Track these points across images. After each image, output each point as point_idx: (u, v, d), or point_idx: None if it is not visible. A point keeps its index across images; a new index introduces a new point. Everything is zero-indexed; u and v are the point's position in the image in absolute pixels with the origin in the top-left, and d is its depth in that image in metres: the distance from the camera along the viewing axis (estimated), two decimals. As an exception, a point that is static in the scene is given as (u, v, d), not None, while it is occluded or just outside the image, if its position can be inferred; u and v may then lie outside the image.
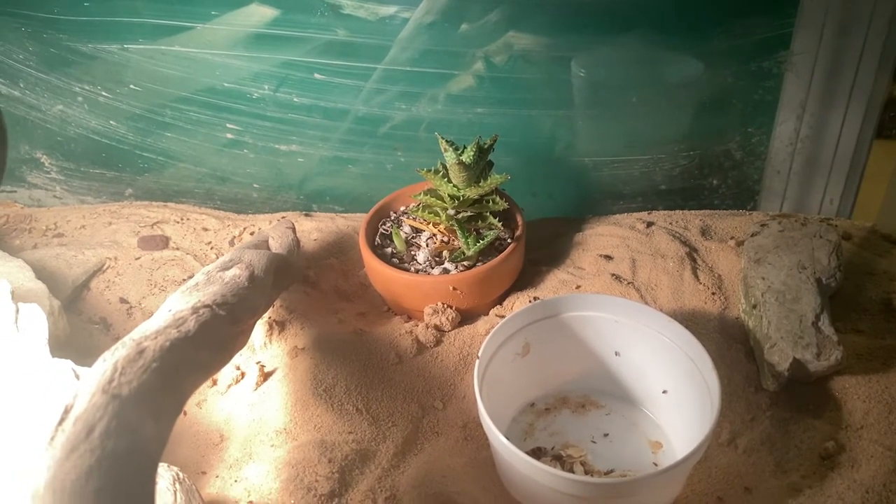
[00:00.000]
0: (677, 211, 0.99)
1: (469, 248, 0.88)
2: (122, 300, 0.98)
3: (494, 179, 0.88)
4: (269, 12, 0.98)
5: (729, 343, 0.80)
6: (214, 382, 0.85)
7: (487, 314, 0.91)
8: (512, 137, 1.01)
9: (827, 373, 0.73)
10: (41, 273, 0.98)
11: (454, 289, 0.87)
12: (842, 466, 0.67)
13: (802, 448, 0.70)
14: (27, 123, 1.13)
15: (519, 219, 0.93)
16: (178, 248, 1.09)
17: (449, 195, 0.88)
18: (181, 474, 0.65)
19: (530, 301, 0.90)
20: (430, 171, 0.89)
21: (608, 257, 0.92)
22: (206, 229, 1.13)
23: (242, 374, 0.84)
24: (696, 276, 0.87)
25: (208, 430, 0.80)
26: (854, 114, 1.05)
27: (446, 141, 0.88)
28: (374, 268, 0.89)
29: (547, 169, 1.06)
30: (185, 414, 0.85)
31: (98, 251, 1.07)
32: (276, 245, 0.89)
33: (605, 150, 1.05)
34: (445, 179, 0.88)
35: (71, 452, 0.46)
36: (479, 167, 0.89)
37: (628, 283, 0.88)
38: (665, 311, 0.82)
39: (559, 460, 0.76)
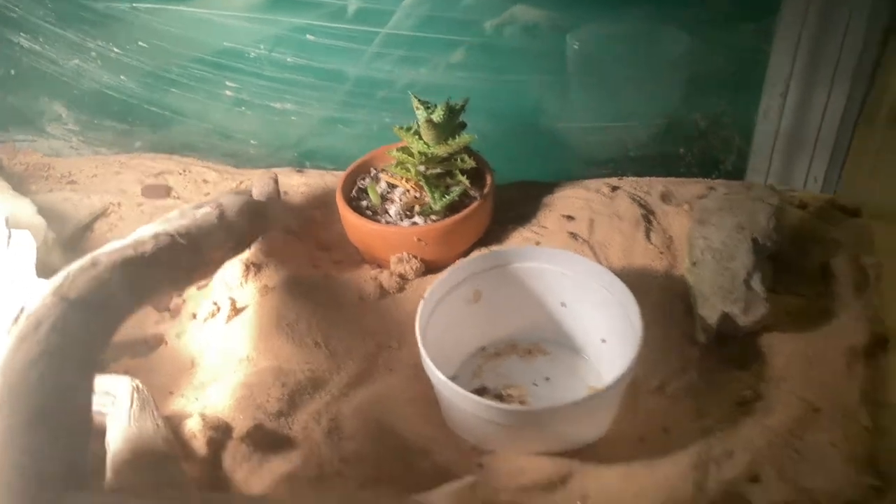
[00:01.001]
0: (645, 178, 1.02)
1: (436, 203, 0.93)
2: (120, 240, 1.05)
3: (463, 139, 0.93)
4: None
5: (671, 299, 0.84)
6: (194, 316, 0.93)
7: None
8: (495, 103, 1.05)
9: (755, 328, 0.77)
10: (49, 213, 1.06)
11: (419, 240, 0.92)
12: (755, 413, 0.71)
13: (723, 396, 0.74)
14: (46, 77, 1.20)
15: (488, 178, 0.98)
16: (178, 198, 1.16)
17: (419, 152, 0.93)
18: (141, 386, 0.72)
19: (488, 254, 0.95)
20: (403, 128, 0.94)
21: (570, 217, 0.96)
22: (206, 181, 1.20)
23: (218, 309, 0.90)
24: (648, 237, 0.91)
25: (183, 358, 0.88)
26: (839, 91, 1.06)
27: (419, 100, 0.93)
28: (347, 218, 0.95)
29: (526, 135, 1.10)
30: (166, 344, 0.92)
31: (104, 197, 1.15)
32: (257, 193, 0.95)
33: (584, 119, 1.09)
34: (417, 137, 0.93)
35: (21, 343, 0.53)
36: (450, 127, 0.94)
37: (583, 241, 0.93)
38: (615, 269, 0.87)
39: (500, 398, 0.81)
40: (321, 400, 0.77)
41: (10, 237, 0.79)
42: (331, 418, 0.75)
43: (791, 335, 0.77)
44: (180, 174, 1.22)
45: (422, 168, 0.94)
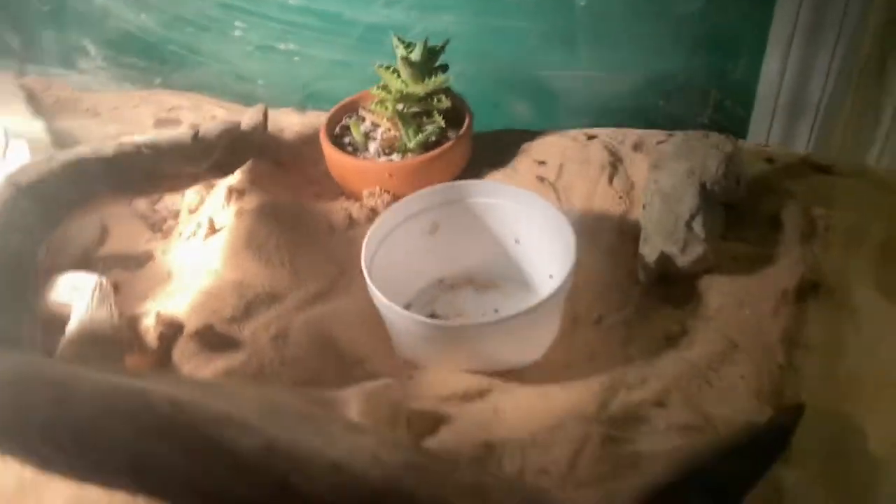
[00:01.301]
0: (624, 129, 1.04)
1: (410, 141, 0.97)
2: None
3: (440, 79, 0.96)
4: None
5: (623, 241, 0.86)
6: (179, 235, 0.99)
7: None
8: (485, 48, 1.07)
9: (694, 269, 0.78)
10: (64, 138, 1.14)
11: (390, 175, 0.96)
12: (679, 347, 0.73)
13: (653, 330, 0.76)
14: (77, 13, 1.29)
15: (466, 120, 1.00)
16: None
17: (396, 90, 0.96)
18: (105, 282, 0.78)
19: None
20: (384, 66, 0.98)
21: (542, 163, 0.99)
22: (214, 117, 1.26)
23: (199, 228, 0.96)
24: (611, 182, 0.93)
25: (163, 272, 0.94)
26: (840, 53, 1.05)
27: (399, 39, 0.97)
28: (326, 152, 1.00)
29: (516, 84, 1.12)
30: (153, 259, 0.99)
31: (119, 127, 1.23)
32: (245, 124, 1.01)
33: (577, 70, 1.10)
34: (396, 75, 0.97)
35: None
36: (428, 67, 0.97)
37: (549, 184, 0.95)
38: (575, 211, 0.89)
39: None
40: (275, 312, 0.82)
41: (6, 147, 0.87)
42: (280, 327, 0.80)
43: (730, 278, 0.78)
44: (191, 110, 1.28)
45: (400, 107, 0.98)
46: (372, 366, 0.76)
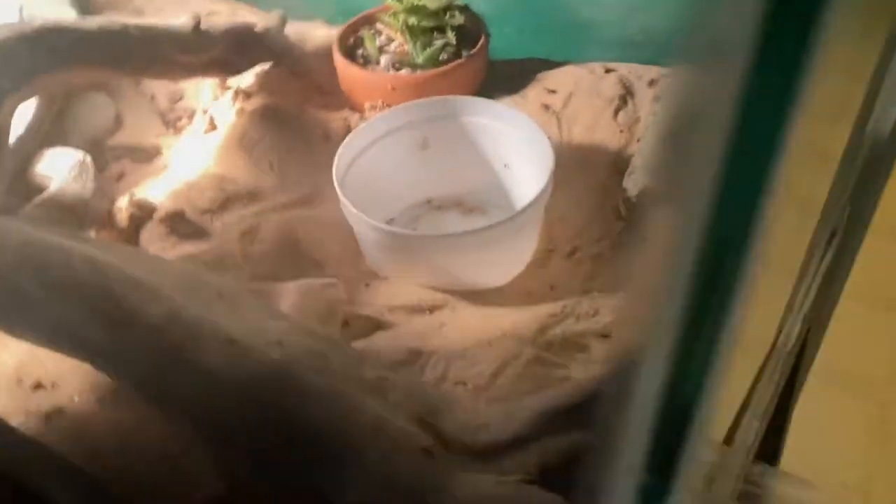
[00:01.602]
0: (647, 65, 0.98)
1: (418, 56, 0.94)
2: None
3: (448, -3, 0.93)
4: None
5: (615, 175, 0.81)
6: (181, 131, 1.00)
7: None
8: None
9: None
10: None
11: (393, 88, 0.94)
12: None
13: (621, 266, 0.72)
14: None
15: (481, 41, 0.97)
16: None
17: (407, 1, 0.94)
18: (87, 159, 0.79)
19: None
20: (404, -23, 0.95)
21: (552, 91, 0.95)
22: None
23: (204, 125, 0.97)
24: (616, 116, 0.88)
25: (165, 162, 0.95)
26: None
27: (416, -51, 0.94)
28: (336, 61, 0.98)
29: (543, 12, 1.07)
30: (160, 154, 1.01)
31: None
32: (260, 27, 1.00)
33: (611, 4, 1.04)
34: (411, -13, 0.94)
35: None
36: (444, -20, 0.94)
37: (553, 113, 0.91)
38: (574, 141, 0.86)
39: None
40: (251, 210, 0.83)
41: (21, 11, 0.89)
42: (251, 225, 0.80)
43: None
44: (229, 16, 1.28)
45: (412, 20, 0.95)
46: (332, 271, 0.76)
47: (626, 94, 0.91)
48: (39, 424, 0.56)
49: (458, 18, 0.94)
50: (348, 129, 0.95)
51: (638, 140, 0.79)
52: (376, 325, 0.68)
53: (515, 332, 0.65)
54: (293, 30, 1.20)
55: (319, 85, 1.06)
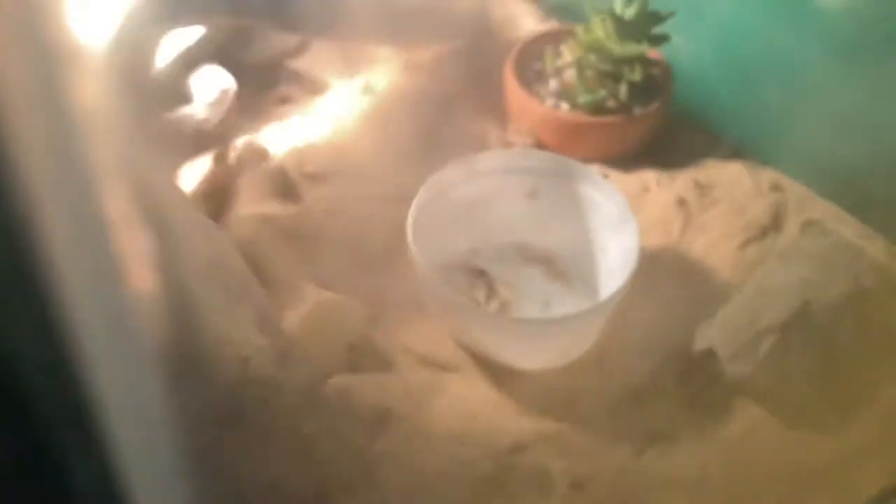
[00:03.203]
0: (820, 200, 0.86)
1: (580, 95, 0.89)
2: None
3: (637, 48, 0.86)
4: None
5: (694, 310, 0.74)
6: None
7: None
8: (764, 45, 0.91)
9: (732, 383, 0.66)
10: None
11: (541, 120, 0.90)
12: (655, 451, 0.64)
13: (644, 421, 0.67)
14: None
15: (654, 105, 0.89)
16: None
17: (588, 37, 0.88)
18: (230, 88, 0.84)
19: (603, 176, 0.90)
20: (601, 9, 0.89)
21: (701, 186, 0.86)
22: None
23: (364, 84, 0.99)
24: (745, 246, 0.79)
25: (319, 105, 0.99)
26: None
27: (626, -10, 0.87)
28: (506, 66, 0.95)
29: (757, 93, 0.94)
30: (325, 91, 1.04)
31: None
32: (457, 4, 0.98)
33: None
34: (603, 23, 0.88)
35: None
36: (640, 29, 0.86)
37: (684, 212, 0.83)
38: (686, 253, 0.79)
39: (489, 287, 0.81)
40: (348, 191, 0.84)
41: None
42: (338, 205, 0.82)
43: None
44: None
45: (592, 57, 0.89)
46: (377, 285, 0.76)
47: (772, 228, 0.80)
48: None
49: (637, 74, 0.87)
50: (482, 143, 0.93)
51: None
52: (377, 362, 0.68)
53: (490, 439, 0.62)
54: (504, 11, 1.18)
55: (490, 76, 1.04)
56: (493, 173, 0.81)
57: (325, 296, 0.67)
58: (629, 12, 0.85)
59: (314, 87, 1.06)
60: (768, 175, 0.89)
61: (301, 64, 1.08)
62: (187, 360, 0.52)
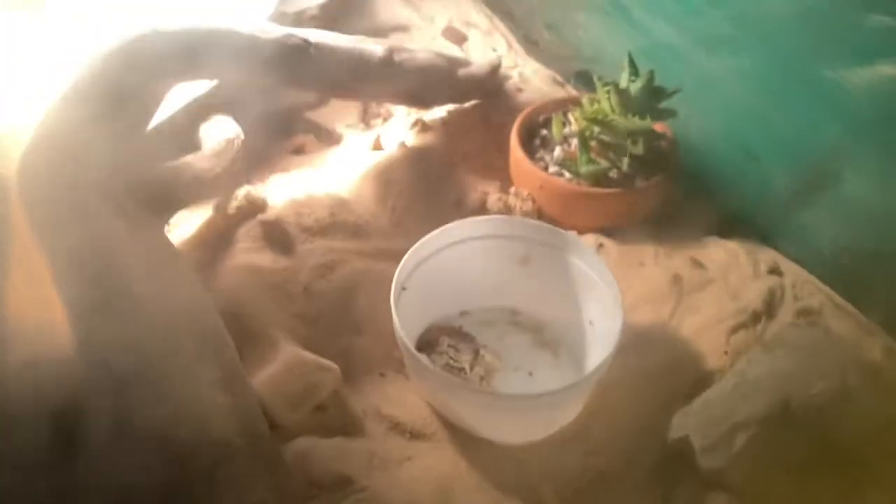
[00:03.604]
0: (820, 285, 0.83)
1: (581, 165, 0.89)
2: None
3: (641, 123, 0.85)
4: None
5: (675, 398, 0.72)
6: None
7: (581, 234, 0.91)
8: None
9: (706, 475, 0.64)
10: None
11: (541, 186, 0.90)
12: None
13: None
14: None
15: (655, 178, 0.89)
16: (464, 49, 1.25)
17: (592, 109, 0.88)
18: (240, 139, 0.86)
19: (598, 248, 0.89)
20: (607, 83, 0.89)
21: (697, 265, 0.85)
22: (494, 49, 1.26)
23: (372, 140, 1.01)
24: (733, 332, 0.77)
25: (319, 160, 1.01)
26: None
27: (631, 62, 0.87)
28: (512, 131, 0.95)
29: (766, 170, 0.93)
30: (339, 143, 1.06)
31: (412, 17, 1.28)
32: (463, 69, 1.00)
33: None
34: (608, 96, 0.88)
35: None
36: (645, 103, 0.86)
37: (677, 291, 0.82)
38: (673, 333, 0.78)
39: (475, 352, 0.80)
40: (342, 245, 0.85)
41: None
42: (332, 260, 0.83)
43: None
44: (483, 32, 1.29)
45: (590, 130, 0.89)
46: (362, 345, 0.76)
47: (764, 314, 0.79)
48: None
49: (640, 148, 0.86)
50: (482, 204, 0.93)
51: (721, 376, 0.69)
52: (346, 425, 0.68)
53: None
54: (522, 74, 1.19)
55: (496, 140, 1.05)
56: (486, 238, 0.81)
57: (296, 355, 0.67)
58: (634, 87, 0.85)
59: (330, 139, 1.08)
60: (768, 256, 0.87)
61: (319, 115, 1.10)
62: (137, 421, 0.53)
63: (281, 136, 1.07)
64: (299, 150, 1.06)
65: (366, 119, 1.12)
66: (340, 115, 1.11)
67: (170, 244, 0.69)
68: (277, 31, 0.79)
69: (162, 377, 0.56)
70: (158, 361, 0.57)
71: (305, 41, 0.80)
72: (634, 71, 0.86)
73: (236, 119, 0.92)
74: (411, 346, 0.68)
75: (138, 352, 0.56)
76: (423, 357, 0.77)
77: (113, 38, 0.68)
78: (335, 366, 0.69)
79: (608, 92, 0.87)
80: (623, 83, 0.85)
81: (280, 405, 0.64)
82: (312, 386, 0.66)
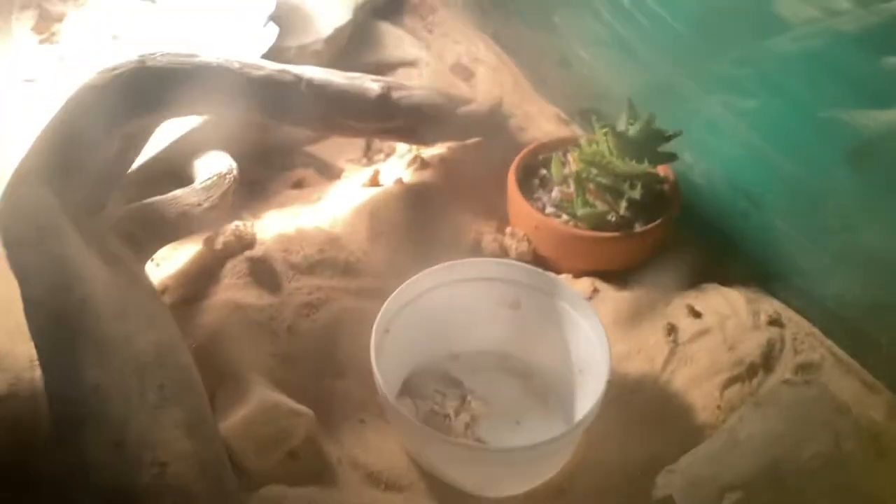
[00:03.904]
0: (823, 339, 0.80)
1: (578, 208, 0.87)
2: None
3: (639, 167, 0.83)
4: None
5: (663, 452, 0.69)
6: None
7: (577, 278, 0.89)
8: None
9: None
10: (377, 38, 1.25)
11: (536, 227, 0.88)
12: None
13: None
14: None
15: (655, 223, 0.86)
16: (470, 86, 1.24)
17: (589, 150, 0.86)
18: (233, 174, 0.85)
19: (592, 292, 0.87)
20: (606, 125, 0.87)
21: (694, 314, 0.82)
22: (502, 87, 1.25)
23: (369, 176, 0.99)
24: (727, 386, 0.74)
25: (314, 198, 1.00)
26: None
27: (631, 106, 0.86)
28: (510, 170, 0.94)
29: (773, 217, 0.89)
30: (339, 177, 1.05)
31: (423, 53, 1.28)
32: (464, 108, 0.99)
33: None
34: (606, 137, 0.86)
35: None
36: (644, 147, 0.85)
37: (672, 341, 0.79)
38: (665, 386, 0.75)
39: (461, 398, 0.78)
40: (331, 283, 0.84)
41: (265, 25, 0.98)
42: (319, 298, 0.81)
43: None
44: (492, 69, 1.28)
45: (587, 172, 0.87)
46: (345, 390, 0.75)
47: (762, 367, 0.75)
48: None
49: (638, 192, 0.84)
50: (477, 244, 0.91)
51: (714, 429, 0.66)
52: (318, 474, 0.66)
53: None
54: (524, 111, 1.17)
55: (497, 182, 1.03)
56: (475, 281, 0.79)
57: (270, 398, 0.66)
58: (633, 130, 0.83)
59: (331, 173, 1.07)
60: (769, 306, 0.84)
61: (320, 149, 1.10)
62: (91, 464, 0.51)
63: (280, 170, 1.07)
64: (298, 185, 1.05)
65: (368, 154, 1.11)
66: (343, 149, 1.11)
67: (146, 280, 0.68)
68: (270, 67, 0.78)
69: (121, 420, 0.54)
70: (119, 403, 0.55)
71: (297, 77, 0.80)
72: (634, 114, 0.85)
73: (233, 153, 0.92)
74: (387, 392, 0.66)
75: (98, 393, 0.54)
76: (397, 404, 0.75)
77: (84, 79, 0.68)
78: (309, 411, 0.67)
79: (606, 134, 0.85)
80: (621, 126, 0.83)
81: (249, 450, 0.63)
82: (284, 431, 0.64)
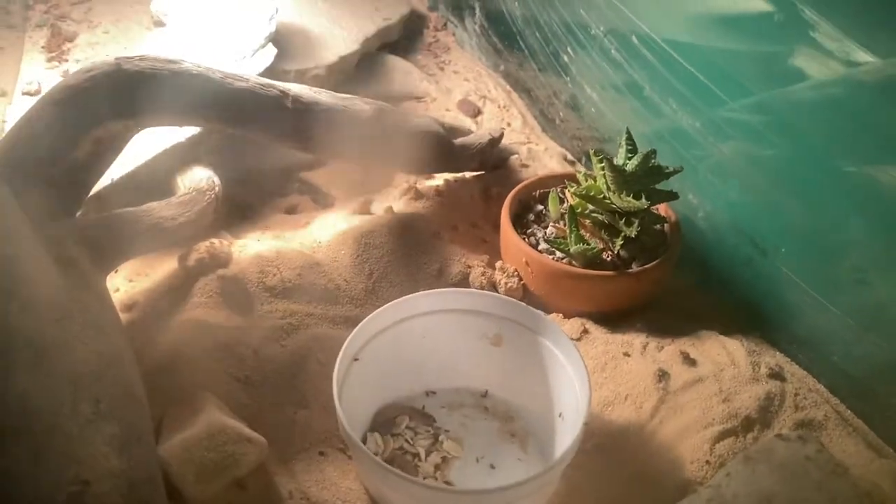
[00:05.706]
0: (828, 398, 0.74)
1: (571, 244, 0.83)
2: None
3: (637, 203, 0.79)
4: None
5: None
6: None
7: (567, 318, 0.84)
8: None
9: None
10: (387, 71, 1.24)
11: (526, 263, 0.84)
12: None
13: None
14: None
15: (652, 263, 0.82)
16: (478, 122, 1.22)
17: (584, 185, 0.82)
18: (216, 189, 0.83)
19: (582, 333, 0.82)
20: (603, 157, 0.83)
21: (688, 361, 0.77)
22: (509, 124, 1.22)
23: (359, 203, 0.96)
24: (718, 441, 0.68)
25: (302, 222, 0.97)
26: None
27: (628, 139, 0.82)
28: (504, 204, 0.90)
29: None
30: (333, 205, 1.02)
31: (432, 87, 1.27)
32: (475, 136, 0.96)
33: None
34: (603, 173, 0.82)
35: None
36: (642, 182, 0.80)
37: (663, 389, 0.73)
38: (651, 437, 0.70)
39: (433, 436, 0.73)
40: (305, 309, 0.80)
41: (263, 47, 0.96)
42: (292, 323, 0.78)
43: None
44: (500, 107, 1.26)
45: (589, 206, 0.83)
46: (307, 420, 0.70)
47: (759, 423, 0.69)
48: None
49: (634, 230, 0.80)
50: (464, 276, 0.87)
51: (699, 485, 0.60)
52: (264, 507, 0.61)
53: None
54: (529, 148, 1.15)
55: (494, 216, 0.99)
56: (454, 312, 0.74)
57: (219, 421, 0.61)
58: (631, 164, 0.79)
59: (325, 201, 1.04)
60: (772, 359, 0.78)
61: (317, 176, 1.07)
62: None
63: (275, 195, 1.04)
64: (291, 210, 1.03)
65: (363, 183, 1.08)
66: (337, 178, 1.08)
67: (101, 289, 0.65)
68: (254, 80, 0.76)
69: (46, 431, 0.50)
70: (47, 413, 0.51)
71: (283, 93, 0.77)
72: (632, 147, 0.81)
73: (227, 175, 0.90)
74: (349, 425, 0.61)
75: (25, 401, 0.50)
76: (365, 438, 0.71)
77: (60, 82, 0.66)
78: (262, 439, 0.62)
79: (603, 168, 0.81)
80: (619, 159, 0.79)
81: (189, 475, 0.58)
82: (231, 458, 0.59)
